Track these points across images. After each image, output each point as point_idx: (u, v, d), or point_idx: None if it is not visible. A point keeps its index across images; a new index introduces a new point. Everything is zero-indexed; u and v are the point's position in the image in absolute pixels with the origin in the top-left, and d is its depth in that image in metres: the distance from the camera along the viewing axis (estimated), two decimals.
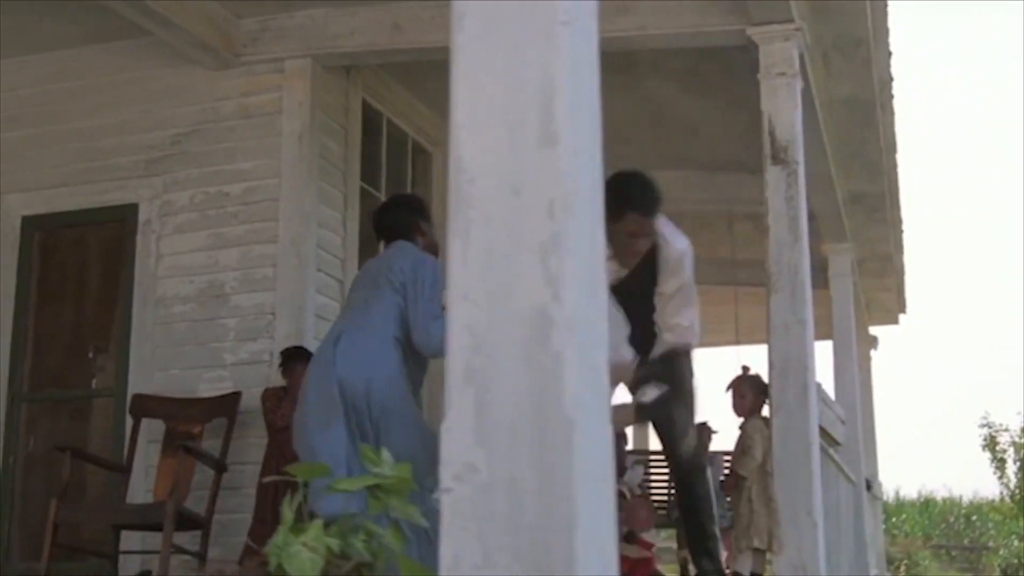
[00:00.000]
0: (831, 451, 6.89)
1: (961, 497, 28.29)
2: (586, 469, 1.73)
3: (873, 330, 13.53)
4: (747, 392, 5.74)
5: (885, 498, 34.19)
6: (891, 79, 7.34)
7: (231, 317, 6.64)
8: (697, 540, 4.70)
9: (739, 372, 5.93)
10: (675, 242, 4.36)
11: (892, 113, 7.87)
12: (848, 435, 9.51)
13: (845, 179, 8.75)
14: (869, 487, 10.58)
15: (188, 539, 5.83)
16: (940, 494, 30.39)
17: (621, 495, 5.04)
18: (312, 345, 6.49)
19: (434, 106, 8.29)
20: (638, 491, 7.58)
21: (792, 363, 5.54)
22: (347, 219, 7.14)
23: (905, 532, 26.99)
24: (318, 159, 6.81)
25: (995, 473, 20.19)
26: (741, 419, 5.77)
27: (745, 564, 5.52)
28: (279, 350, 6.26)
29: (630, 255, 4.16)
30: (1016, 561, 20.52)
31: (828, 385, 9.64)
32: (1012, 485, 20.17)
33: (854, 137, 7.96)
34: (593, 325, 1.85)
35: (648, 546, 6.63)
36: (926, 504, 29.88)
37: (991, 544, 22.36)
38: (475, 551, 1.71)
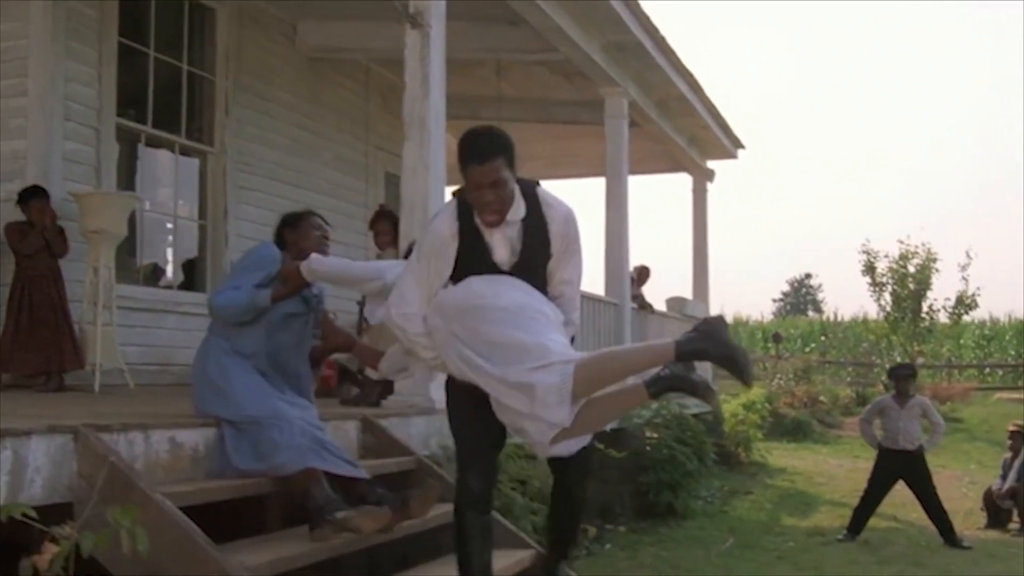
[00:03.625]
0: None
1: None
2: None
3: (711, 164, 14.49)
4: (387, 228, 6.82)
5: (828, 318, 35.68)
6: None
7: None
8: (560, 544, 4.39)
9: (377, 209, 6.99)
10: (560, 207, 3.96)
11: None
12: (611, 263, 10.63)
13: (596, 32, 9.59)
14: (645, 308, 11.72)
15: None
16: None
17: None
18: (59, 185, 7.62)
19: None
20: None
21: (418, 201, 6.60)
22: (103, 74, 8.11)
23: (820, 350, 28.48)
24: (66, 21, 7.75)
25: (872, 296, 21.37)
26: (381, 250, 6.85)
27: (374, 373, 6.68)
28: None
29: (484, 208, 3.78)
30: None
31: (599, 217, 10.73)
32: (888, 307, 21.34)
33: None
34: None
35: (330, 365, 7.77)
36: (859, 323, 31.32)
37: (877, 360, 23.71)
38: None
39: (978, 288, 21.58)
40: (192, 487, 3.98)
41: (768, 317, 43.91)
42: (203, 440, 4.36)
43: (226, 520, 4.23)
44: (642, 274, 12.39)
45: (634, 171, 14.38)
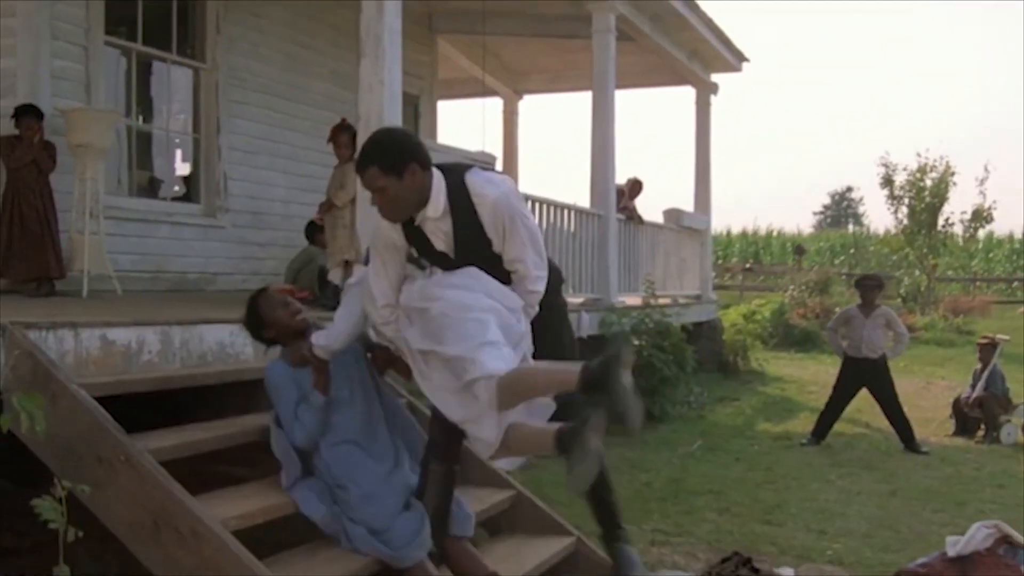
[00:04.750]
0: None
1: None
2: None
3: (714, 77, 14.58)
4: (346, 141, 7.16)
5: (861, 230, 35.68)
6: None
7: None
8: (602, 520, 4.77)
9: (337, 123, 7.34)
10: (487, 193, 3.93)
11: None
12: (596, 176, 10.89)
13: None
14: (634, 220, 12.00)
15: None
16: None
17: None
18: (48, 101, 8.02)
19: None
20: None
21: (373, 116, 6.92)
22: None
23: (849, 264, 28.51)
24: None
25: (890, 208, 21.39)
26: (341, 163, 7.21)
27: (337, 275, 7.10)
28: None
29: (379, 208, 3.97)
30: (916, 287, 22.11)
31: (585, 125, 10.94)
32: (905, 221, 21.38)
33: None
34: None
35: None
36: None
37: (897, 273, 23.79)
38: None
39: (994, 202, 21.59)
40: (112, 379, 4.42)
41: (808, 230, 43.97)
42: (135, 338, 4.78)
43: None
44: (634, 187, 12.61)
45: (637, 84, 14.66)
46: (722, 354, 14.27)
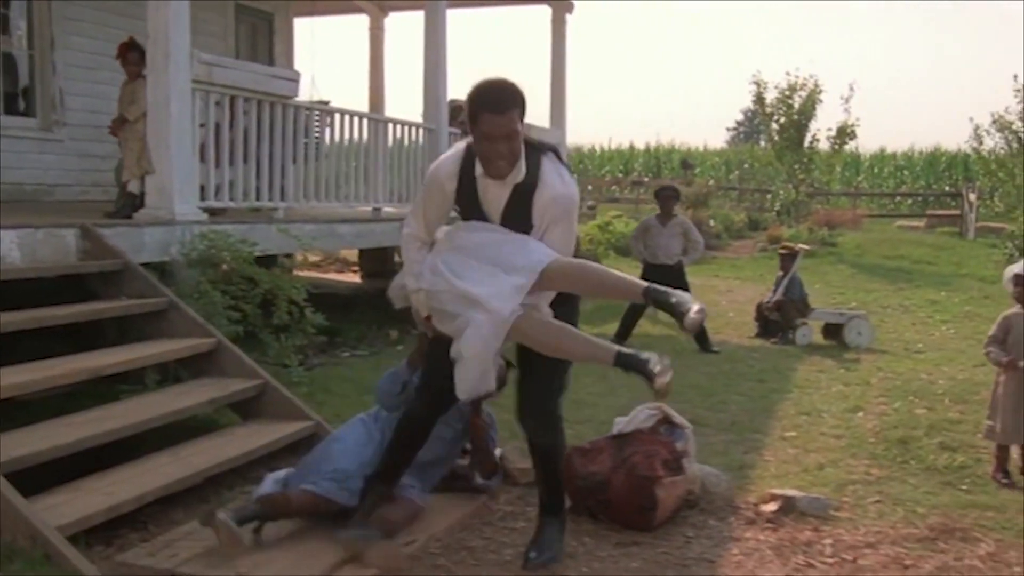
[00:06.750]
0: (290, 103, 8.74)
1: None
2: None
3: None
4: (135, 59, 7.59)
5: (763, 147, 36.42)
6: None
7: None
8: (543, 504, 4.74)
9: (126, 40, 7.77)
10: (553, 185, 3.92)
11: None
12: (429, 90, 11.36)
13: None
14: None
15: None
16: None
17: None
18: None
19: None
20: None
21: (160, 34, 7.34)
22: None
23: (742, 178, 29.28)
24: None
25: (762, 126, 22.11)
26: (131, 80, 7.65)
27: (136, 186, 7.57)
28: None
29: (494, 159, 3.81)
30: (789, 201, 23.02)
31: (416, 44, 11.34)
32: (776, 137, 22.15)
33: None
34: None
35: None
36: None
37: (772, 187, 24.63)
38: None
39: (857, 119, 22.50)
40: None
41: (720, 145, 44.84)
42: None
43: None
44: None
45: (491, 3, 15.04)
46: None
